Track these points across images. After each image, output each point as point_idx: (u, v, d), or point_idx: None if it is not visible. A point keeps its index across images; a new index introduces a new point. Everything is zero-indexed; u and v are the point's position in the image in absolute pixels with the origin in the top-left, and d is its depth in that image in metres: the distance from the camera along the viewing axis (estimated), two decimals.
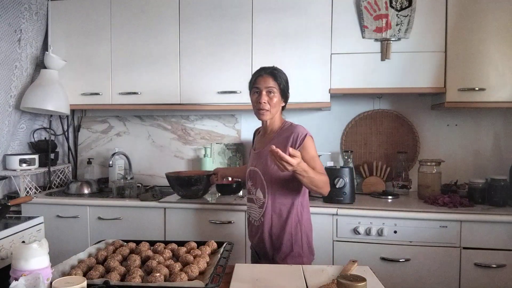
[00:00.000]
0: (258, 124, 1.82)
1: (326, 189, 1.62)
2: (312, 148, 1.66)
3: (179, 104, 2.59)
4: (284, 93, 1.75)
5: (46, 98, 2.52)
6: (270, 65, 1.78)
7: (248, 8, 2.48)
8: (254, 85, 1.73)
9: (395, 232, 2.09)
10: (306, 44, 2.43)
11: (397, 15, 2.33)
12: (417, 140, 2.67)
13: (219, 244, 1.43)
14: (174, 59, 2.57)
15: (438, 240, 2.06)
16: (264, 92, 1.69)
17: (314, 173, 1.53)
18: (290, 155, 1.39)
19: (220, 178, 2.22)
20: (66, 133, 3.03)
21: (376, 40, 2.37)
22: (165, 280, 1.11)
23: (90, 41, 2.67)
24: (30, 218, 2.06)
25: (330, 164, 2.37)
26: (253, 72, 1.81)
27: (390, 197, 2.39)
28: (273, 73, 1.72)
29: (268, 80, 1.70)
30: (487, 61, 2.27)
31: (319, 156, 1.72)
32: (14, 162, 2.50)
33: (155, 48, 2.60)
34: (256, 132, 1.96)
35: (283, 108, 1.79)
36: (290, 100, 2.42)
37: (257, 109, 1.72)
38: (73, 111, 3.03)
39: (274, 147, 1.39)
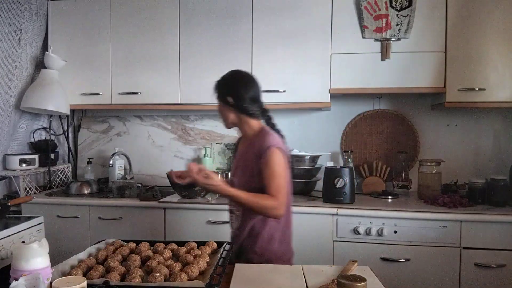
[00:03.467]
0: None
1: (272, 214, 1.48)
2: (275, 163, 1.49)
3: (179, 104, 2.59)
4: (228, 103, 1.59)
5: (46, 98, 2.52)
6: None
7: (248, 8, 2.48)
8: None
9: (395, 232, 2.09)
10: (306, 44, 2.43)
11: (397, 15, 2.33)
12: (417, 140, 2.67)
13: (219, 244, 1.43)
14: (174, 59, 2.57)
15: (438, 240, 2.05)
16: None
17: (245, 198, 1.46)
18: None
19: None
20: (66, 133, 3.03)
21: (376, 40, 2.37)
22: (165, 280, 1.11)
23: (90, 41, 2.67)
24: (30, 218, 2.06)
25: (330, 164, 2.36)
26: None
27: (390, 197, 2.39)
28: (214, 87, 1.65)
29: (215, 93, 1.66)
30: (487, 61, 2.27)
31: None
32: (14, 162, 2.50)
33: (155, 48, 2.60)
34: (240, 139, 1.80)
35: (251, 115, 1.61)
36: (290, 100, 2.46)
37: None
38: (73, 111, 3.02)
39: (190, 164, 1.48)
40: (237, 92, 1.59)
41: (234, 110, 1.60)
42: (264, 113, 1.65)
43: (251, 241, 1.58)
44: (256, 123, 1.63)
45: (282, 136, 1.63)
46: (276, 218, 1.53)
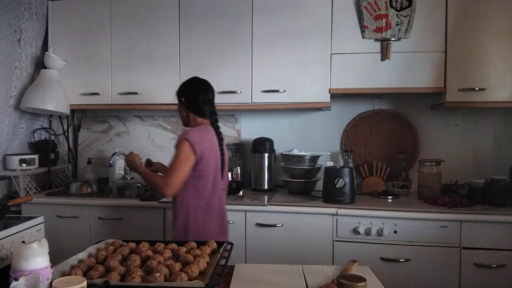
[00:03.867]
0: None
1: (162, 192, 1.70)
2: (179, 150, 1.72)
3: None
4: (182, 102, 1.88)
5: (46, 98, 2.52)
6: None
7: (248, 8, 2.48)
8: None
9: (395, 232, 2.09)
10: (306, 44, 2.43)
11: (397, 15, 2.33)
12: (417, 140, 2.67)
13: (219, 244, 1.43)
14: (174, 59, 2.57)
15: (438, 240, 2.06)
16: None
17: (146, 175, 1.77)
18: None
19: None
20: (66, 133, 3.03)
21: (376, 40, 2.37)
22: (165, 280, 1.11)
23: (90, 41, 2.67)
24: (30, 218, 2.06)
25: (330, 164, 2.36)
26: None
27: (390, 197, 2.39)
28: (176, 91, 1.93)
29: None
30: (487, 61, 2.27)
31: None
32: (14, 162, 2.50)
33: (155, 48, 2.60)
34: None
35: (200, 113, 1.86)
36: (290, 100, 2.46)
37: None
38: (73, 111, 3.02)
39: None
40: (188, 93, 1.87)
41: (185, 109, 1.88)
42: (212, 114, 1.88)
43: (173, 220, 1.82)
44: (200, 121, 1.87)
45: (220, 138, 1.86)
46: (164, 196, 1.75)
